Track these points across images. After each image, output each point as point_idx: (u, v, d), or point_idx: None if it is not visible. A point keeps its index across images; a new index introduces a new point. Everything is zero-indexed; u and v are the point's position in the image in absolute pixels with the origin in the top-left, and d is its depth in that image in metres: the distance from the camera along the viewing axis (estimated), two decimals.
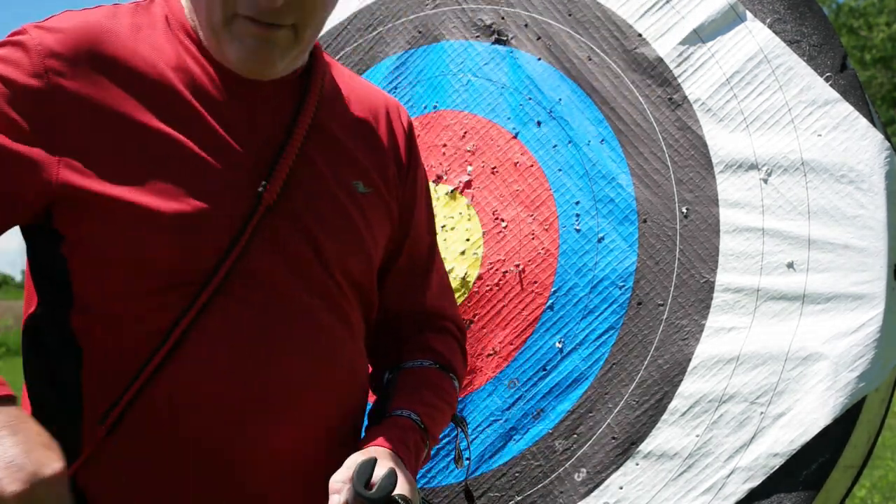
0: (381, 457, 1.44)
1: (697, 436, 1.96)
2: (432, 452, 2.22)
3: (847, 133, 1.94)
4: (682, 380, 2.00)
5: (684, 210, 2.07)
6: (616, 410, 2.05)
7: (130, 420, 1.40)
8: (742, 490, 1.90)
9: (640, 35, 2.18)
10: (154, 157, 1.38)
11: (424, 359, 1.69)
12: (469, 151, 2.34)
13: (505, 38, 2.36)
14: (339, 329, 1.53)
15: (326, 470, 1.46)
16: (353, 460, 1.43)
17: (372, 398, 1.72)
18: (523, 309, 2.19)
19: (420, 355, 1.69)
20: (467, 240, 2.28)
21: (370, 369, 1.72)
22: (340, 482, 1.40)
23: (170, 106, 1.42)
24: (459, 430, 1.80)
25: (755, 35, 2.06)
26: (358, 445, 1.54)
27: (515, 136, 2.29)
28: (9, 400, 1.26)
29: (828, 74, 1.99)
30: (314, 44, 1.56)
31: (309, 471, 1.50)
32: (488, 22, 2.38)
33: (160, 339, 1.39)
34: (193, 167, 1.41)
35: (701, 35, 2.12)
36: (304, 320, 1.47)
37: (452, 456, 2.20)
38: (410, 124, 1.71)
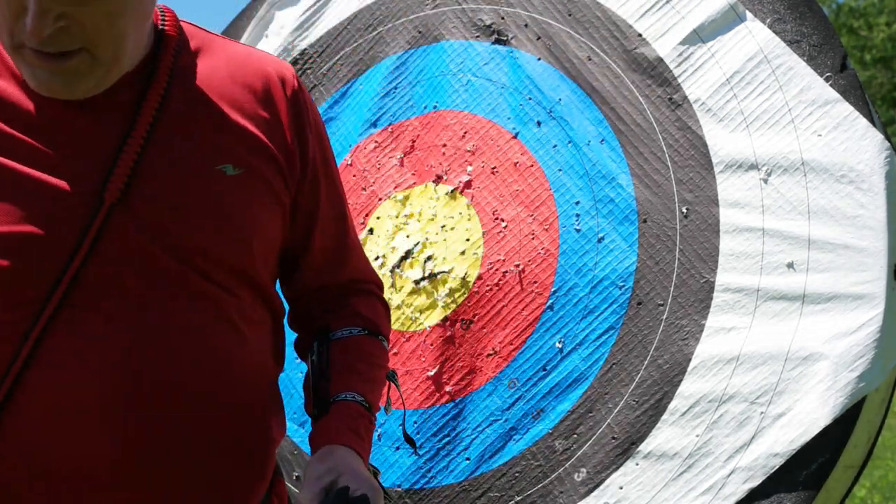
0: (345, 471, 1.41)
1: (697, 436, 1.96)
2: (432, 453, 2.22)
3: (847, 133, 1.94)
4: (682, 380, 2.00)
5: (684, 210, 2.07)
6: (616, 410, 2.05)
7: None
8: (742, 490, 1.90)
9: (640, 35, 2.18)
10: None
11: (353, 326, 1.63)
12: (469, 151, 2.34)
13: (505, 38, 2.36)
14: (209, 324, 1.43)
15: (217, 461, 1.44)
16: (315, 473, 1.40)
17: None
18: (523, 309, 2.19)
19: (348, 322, 1.63)
20: (467, 240, 2.28)
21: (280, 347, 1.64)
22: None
23: None
24: (394, 383, 1.75)
25: (755, 35, 2.06)
26: (310, 438, 1.51)
27: (515, 136, 2.29)
28: None
29: (828, 74, 1.99)
30: (168, 29, 1.48)
31: (192, 469, 1.43)
32: (488, 22, 2.38)
33: (9, 359, 1.34)
34: (24, 189, 1.34)
35: (701, 35, 2.12)
36: (159, 322, 1.39)
37: (452, 456, 2.20)
38: (301, 94, 1.57)
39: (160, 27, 1.47)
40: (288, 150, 1.52)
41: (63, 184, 1.35)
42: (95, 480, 1.37)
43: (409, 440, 1.85)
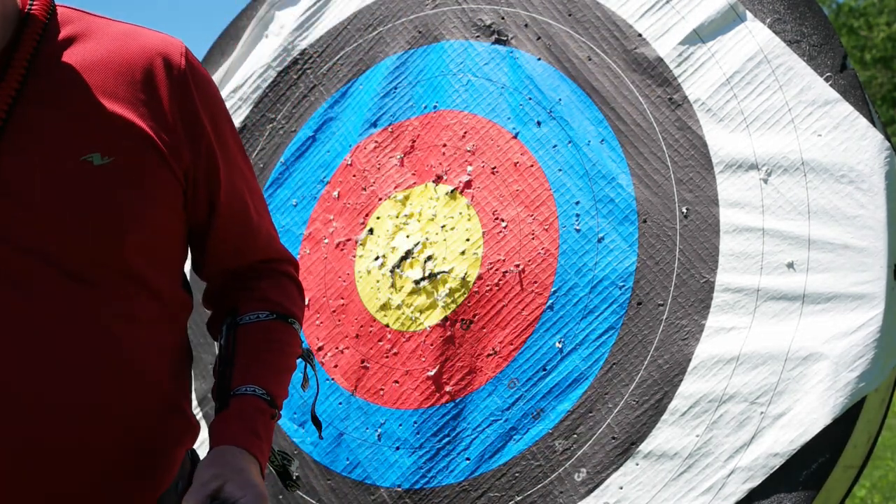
0: (231, 477, 1.35)
1: (697, 436, 1.96)
2: (432, 453, 2.22)
3: (847, 133, 1.94)
4: (682, 380, 2.00)
5: (684, 210, 2.07)
6: (616, 410, 2.05)
7: None
8: (742, 490, 1.90)
9: (640, 35, 2.18)
10: None
11: (261, 310, 1.55)
12: (469, 151, 2.34)
13: (505, 38, 2.36)
14: (75, 326, 1.36)
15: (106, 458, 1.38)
16: (202, 478, 1.35)
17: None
18: (523, 309, 2.19)
19: (256, 306, 1.55)
20: (467, 240, 2.28)
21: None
22: None
23: None
24: (307, 363, 1.68)
25: (755, 35, 2.06)
26: (209, 433, 1.45)
27: (515, 136, 2.29)
28: None
29: (828, 74, 1.99)
30: (36, 11, 1.41)
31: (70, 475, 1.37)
32: (488, 22, 2.38)
33: None
34: None
35: (701, 35, 2.12)
36: (10, 326, 1.33)
37: (452, 456, 2.20)
38: (190, 73, 1.47)
39: (27, 11, 1.40)
40: (173, 135, 1.43)
41: None
42: None
43: (315, 422, 1.76)
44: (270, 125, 2.66)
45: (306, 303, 1.80)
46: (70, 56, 1.41)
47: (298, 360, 1.65)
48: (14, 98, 1.35)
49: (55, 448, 1.35)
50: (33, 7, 1.41)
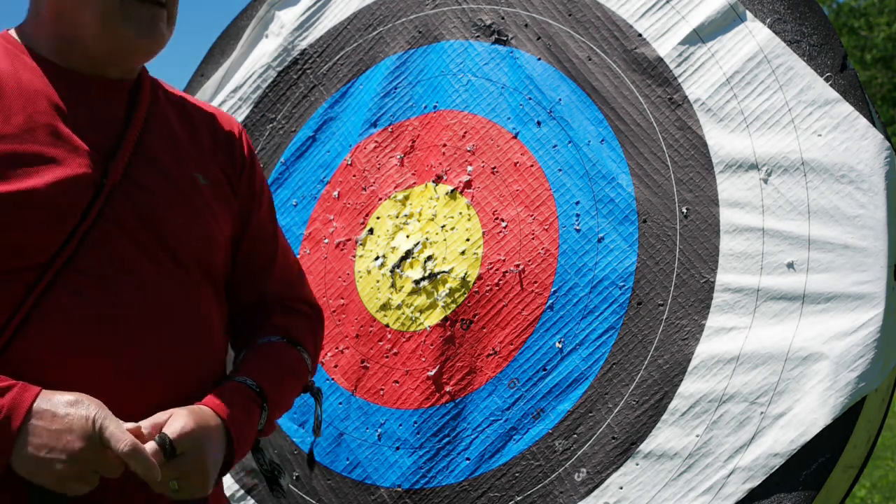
0: (184, 412, 1.52)
1: (697, 436, 1.96)
2: (432, 453, 2.22)
3: (847, 133, 1.94)
4: (682, 380, 2.00)
5: (684, 210, 2.07)
6: (616, 410, 2.05)
7: None
8: (742, 490, 1.90)
9: (640, 35, 2.18)
10: (3, 155, 1.53)
11: (272, 335, 1.79)
12: (469, 151, 2.34)
13: (505, 38, 2.36)
14: (187, 309, 1.63)
15: None
16: (157, 416, 1.52)
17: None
18: (523, 309, 2.19)
19: (267, 332, 1.80)
20: (467, 240, 2.28)
21: (229, 349, 1.84)
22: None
23: (12, 107, 1.57)
24: (314, 399, 1.89)
25: (755, 35, 2.06)
26: None
27: (515, 136, 2.29)
28: None
29: (828, 74, 1.99)
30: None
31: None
32: (488, 22, 2.38)
33: (10, 313, 1.50)
34: (40, 158, 1.55)
35: (701, 35, 2.12)
36: (151, 297, 1.58)
37: (452, 456, 2.20)
38: (244, 133, 1.89)
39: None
40: (236, 178, 1.81)
41: (75, 162, 1.57)
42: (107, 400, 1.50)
43: (311, 464, 1.93)
44: (270, 125, 2.66)
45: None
46: (170, 99, 1.79)
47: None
48: (147, 114, 1.70)
49: (178, 394, 1.59)
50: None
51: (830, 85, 1.98)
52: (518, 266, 2.21)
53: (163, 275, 1.61)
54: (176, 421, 1.49)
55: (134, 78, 1.72)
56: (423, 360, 2.27)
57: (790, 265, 1.95)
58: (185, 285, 1.64)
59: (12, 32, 1.70)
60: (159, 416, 1.50)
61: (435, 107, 2.42)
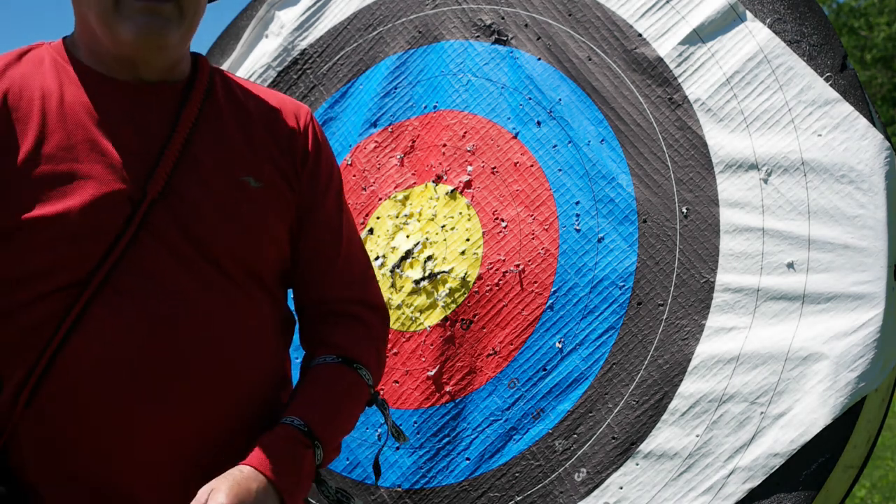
0: (224, 484, 1.49)
1: (697, 436, 1.96)
2: (432, 453, 2.22)
3: (847, 133, 1.94)
4: (682, 380, 2.00)
5: (684, 210, 2.07)
6: (616, 410, 2.05)
7: (31, 411, 1.52)
8: (742, 490, 1.90)
9: (640, 35, 2.18)
10: (41, 175, 1.52)
11: (327, 354, 1.73)
12: (469, 151, 2.34)
13: (505, 38, 2.36)
14: (231, 318, 1.60)
15: (223, 452, 1.58)
16: (203, 489, 1.49)
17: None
18: (523, 309, 2.19)
19: (323, 351, 1.74)
20: (467, 240, 2.29)
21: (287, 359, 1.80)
22: None
23: (53, 126, 1.55)
24: (381, 411, 1.83)
25: (755, 35, 2.06)
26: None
27: (515, 136, 2.29)
28: None
29: (828, 74, 1.99)
30: (197, 53, 1.72)
31: (201, 452, 1.58)
32: (488, 22, 2.38)
33: (51, 333, 1.50)
34: (77, 176, 1.53)
35: (701, 35, 2.12)
36: (191, 310, 1.55)
37: (452, 456, 2.20)
38: (312, 123, 1.80)
39: (194, 61, 1.71)
40: (297, 174, 1.73)
41: (114, 174, 1.55)
42: (137, 430, 1.51)
43: (376, 470, 1.88)
44: None
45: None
46: (229, 99, 1.71)
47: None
48: (197, 117, 1.64)
49: (218, 414, 1.58)
50: (199, 58, 1.73)
51: (830, 85, 1.98)
52: (518, 266, 2.21)
53: (206, 288, 1.58)
54: (216, 499, 1.47)
55: (184, 78, 1.67)
56: (423, 360, 2.27)
57: (790, 265, 1.95)
58: (233, 297, 1.60)
59: (63, 43, 1.66)
60: (200, 497, 1.47)
61: (435, 107, 2.42)
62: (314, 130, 1.79)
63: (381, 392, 2.06)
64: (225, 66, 2.75)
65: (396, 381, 2.30)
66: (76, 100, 1.57)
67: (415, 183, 2.40)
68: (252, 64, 2.71)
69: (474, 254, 2.27)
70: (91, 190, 1.52)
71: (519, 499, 2.11)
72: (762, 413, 1.91)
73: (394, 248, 2.37)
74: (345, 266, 1.80)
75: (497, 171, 2.29)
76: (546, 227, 2.21)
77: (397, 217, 2.39)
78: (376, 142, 2.48)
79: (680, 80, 2.12)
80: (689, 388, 1.98)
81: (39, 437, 1.52)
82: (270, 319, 1.68)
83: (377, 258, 2.38)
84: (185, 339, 1.54)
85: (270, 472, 1.53)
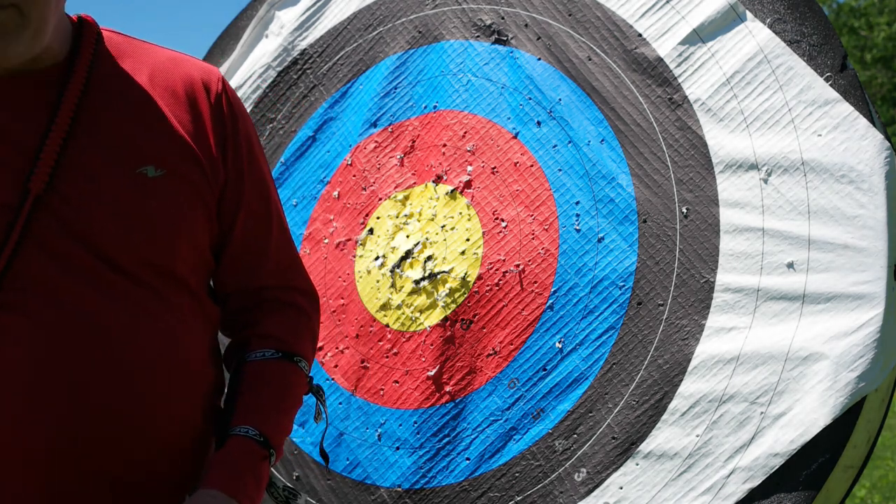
0: None
1: (697, 436, 1.96)
2: (432, 453, 2.22)
3: (847, 133, 1.94)
4: (682, 380, 2.00)
5: (684, 210, 2.07)
6: (616, 410, 2.05)
7: None
8: (742, 490, 1.90)
9: (640, 35, 2.18)
10: None
11: (267, 348, 1.61)
12: (469, 151, 2.34)
13: (505, 38, 2.36)
14: (141, 328, 1.47)
15: (145, 474, 1.48)
16: None
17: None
18: (523, 309, 2.19)
19: (262, 344, 1.62)
20: (467, 240, 2.29)
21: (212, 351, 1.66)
22: None
23: None
24: (317, 399, 1.75)
25: (755, 35, 2.06)
26: (204, 467, 1.54)
27: (515, 136, 2.29)
28: None
29: (828, 74, 1.99)
30: (81, 28, 1.53)
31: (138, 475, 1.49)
32: (488, 22, 2.38)
33: None
34: None
35: (701, 35, 2.12)
36: (88, 323, 1.43)
37: (452, 456, 2.20)
38: (225, 92, 1.60)
39: (77, 32, 1.52)
40: (211, 153, 1.55)
41: None
42: (27, 461, 1.39)
43: (323, 455, 1.84)
44: (270, 125, 2.66)
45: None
46: (121, 74, 1.52)
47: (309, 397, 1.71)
48: (78, 104, 1.46)
49: (119, 423, 1.45)
50: (83, 28, 1.52)
51: (830, 85, 1.98)
52: (518, 266, 2.21)
53: (104, 295, 1.43)
54: None
55: (61, 59, 1.47)
56: (423, 360, 2.27)
57: (790, 265, 1.95)
58: (138, 299, 1.46)
59: None
60: None
61: (435, 107, 2.42)
62: (227, 100, 1.60)
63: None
64: (225, 66, 2.75)
65: (396, 381, 2.30)
66: None
67: (415, 183, 2.40)
68: (252, 64, 2.71)
69: (474, 254, 2.27)
70: None
71: (519, 499, 2.11)
72: (762, 413, 1.91)
73: (394, 248, 2.37)
74: (277, 250, 1.67)
75: (497, 171, 2.29)
76: (546, 227, 2.21)
77: (397, 217, 2.39)
78: (376, 142, 2.48)
79: (680, 80, 2.12)
80: (689, 388, 1.98)
81: None
82: (193, 321, 1.54)
83: (377, 258, 2.38)
84: (85, 360, 1.41)
85: (240, 494, 1.47)
